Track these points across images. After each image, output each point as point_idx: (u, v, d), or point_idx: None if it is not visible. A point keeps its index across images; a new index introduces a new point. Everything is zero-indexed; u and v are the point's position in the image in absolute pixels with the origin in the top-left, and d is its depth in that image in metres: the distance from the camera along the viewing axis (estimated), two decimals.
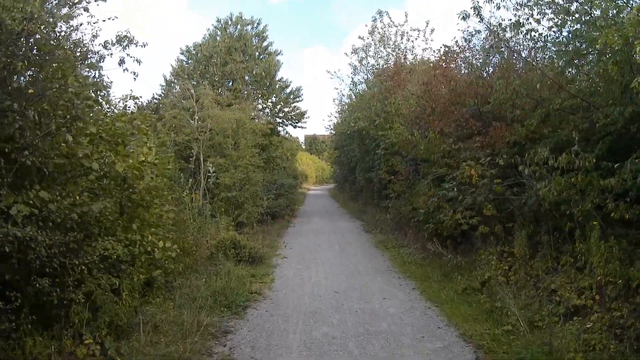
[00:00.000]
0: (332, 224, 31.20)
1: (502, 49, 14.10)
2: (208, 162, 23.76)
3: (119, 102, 12.94)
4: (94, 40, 12.56)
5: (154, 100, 34.87)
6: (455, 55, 19.84)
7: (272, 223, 28.67)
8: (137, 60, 12.46)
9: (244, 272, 15.00)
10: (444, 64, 19.81)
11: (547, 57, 14.31)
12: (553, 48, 13.63)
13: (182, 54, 37.85)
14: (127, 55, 12.20)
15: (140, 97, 12.61)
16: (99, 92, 11.20)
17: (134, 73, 12.78)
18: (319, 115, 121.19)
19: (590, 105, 11.86)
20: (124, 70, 12.55)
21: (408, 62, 29.41)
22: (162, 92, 35.67)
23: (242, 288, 13.52)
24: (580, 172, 10.55)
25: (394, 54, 31.03)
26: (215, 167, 24.03)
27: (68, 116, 8.64)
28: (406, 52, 30.42)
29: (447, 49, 19.92)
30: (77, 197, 8.69)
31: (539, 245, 12.68)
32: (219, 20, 38.49)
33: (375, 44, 32.26)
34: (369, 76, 32.76)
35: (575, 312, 10.09)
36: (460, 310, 11.74)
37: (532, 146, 13.21)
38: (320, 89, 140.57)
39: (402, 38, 31.13)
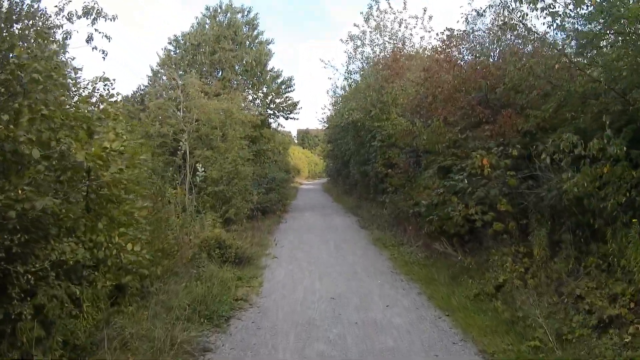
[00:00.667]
0: (325, 220, 29.69)
1: (516, 24, 12.61)
2: (198, 164, 22.24)
3: (88, 84, 11.45)
4: (59, 14, 11.24)
5: (140, 92, 33.31)
6: (459, 40, 18.52)
7: (263, 219, 27.19)
8: (106, 36, 11.19)
9: (229, 275, 13.48)
10: (447, 49, 18.42)
11: (565, 36, 12.88)
12: (572, 25, 12.20)
13: (170, 43, 36.32)
14: (96, 30, 10.95)
15: (114, 80, 11.04)
16: (62, 72, 9.90)
17: (103, 52, 11.48)
18: (311, 110, 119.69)
19: (612, 90, 10.57)
20: (92, 48, 11.32)
21: (406, 50, 27.91)
22: (148, 83, 34.08)
23: (226, 294, 12.02)
24: (609, 162, 9.39)
25: (392, 42, 29.58)
26: (203, 163, 22.54)
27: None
28: (404, 39, 28.88)
29: (450, 32, 18.54)
30: (19, 192, 7.15)
31: (558, 245, 11.36)
32: (207, 9, 36.93)
33: (371, 32, 30.83)
34: (365, 65, 31.31)
35: (609, 323, 8.70)
36: (475, 321, 10.23)
37: (545, 135, 12.42)
38: (313, 84, 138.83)
39: (399, 26, 29.73)
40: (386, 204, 23.57)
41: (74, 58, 12.85)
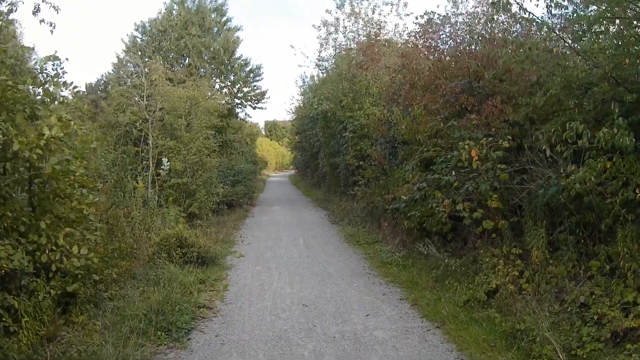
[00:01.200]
0: (294, 214, 28.45)
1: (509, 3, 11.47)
2: (164, 156, 20.86)
3: (35, 63, 10.18)
4: None
5: (104, 79, 31.84)
6: (440, 25, 17.50)
7: (229, 213, 26.19)
8: (54, 7, 9.93)
9: (191, 278, 12.15)
10: (426, 33, 17.37)
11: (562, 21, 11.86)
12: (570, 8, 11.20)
13: (136, 29, 34.80)
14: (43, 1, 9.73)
15: (66, 59, 9.76)
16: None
17: (52, 24, 10.21)
18: (279, 102, 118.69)
19: (612, 78, 9.56)
20: (40, 22, 10.13)
21: (382, 36, 26.72)
22: (112, 70, 32.54)
23: (188, 300, 10.68)
24: (616, 155, 8.40)
25: (366, 29, 28.40)
26: (166, 154, 21.17)
27: None
28: (381, 24, 27.66)
29: (430, 15, 17.44)
30: None
31: (555, 247, 10.34)
32: None
33: (344, 19, 29.67)
34: (337, 52, 30.14)
35: (624, 337, 7.65)
36: (470, 334, 8.97)
37: (533, 127, 11.75)
38: (281, 75, 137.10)
39: (373, 12, 28.60)
40: (358, 198, 22.42)
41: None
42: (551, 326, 8.27)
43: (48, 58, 9.92)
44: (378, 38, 24.55)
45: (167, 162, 20.79)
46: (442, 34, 17.51)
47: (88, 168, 10.15)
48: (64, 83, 9.58)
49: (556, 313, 8.90)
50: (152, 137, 20.70)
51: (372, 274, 13.89)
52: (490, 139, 11.73)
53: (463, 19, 17.54)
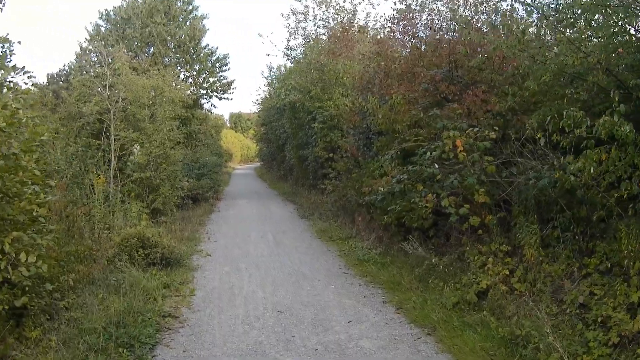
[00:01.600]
0: (262, 208, 27.58)
1: None
2: (135, 144, 19.80)
3: None
4: None
5: (66, 70, 30.54)
6: (417, 12, 17.07)
7: (194, 208, 25.25)
8: None
9: (154, 282, 11.15)
10: (403, 20, 16.90)
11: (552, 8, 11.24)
12: None
13: (100, 18, 33.51)
14: None
15: (18, 42, 8.77)
16: None
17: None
18: (244, 93, 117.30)
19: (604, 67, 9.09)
20: None
21: (355, 23, 25.89)
22: (75, 60, 31.23)
23: (152, 309, 9.71)
24: (613, 146, 7.82)
25: (337, 17, 27.56)
26: (128, 145, 20.13)
27: None
28: (355, 11, 26.75)
29: (409, 1, 16.95)
30: None
31: (546, 243, 9.68)
32: None
33: (314, 8, 28.83)
34: (308, 41, 29.24)
35: (632, 340, 7.02)
36: (465, 341, 8.18)
37: (515, 117, 11.56)
38: (247, 67, 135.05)
39: (345, 1, 27.89)
40: (328, 191, 21.80)
41: None
42: (552, 330, 7.53)
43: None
44: (352, 23, 23.65)
45: (138, 148, 19.76)
46: (419, 22, 16.87)
47: (39, 163, 9.19)
48: (13, 67, 8.60)
49: (554, 315, 8.24)
50: (115, 128, 19.61)
51: (350, 274, 13.09)
52: (476, 129, 11.05)
53: (444, 5, 16.82)
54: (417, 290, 10.98)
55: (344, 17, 26.28)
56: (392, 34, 17.26)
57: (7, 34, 8.88)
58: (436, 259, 11.74)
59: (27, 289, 7.75)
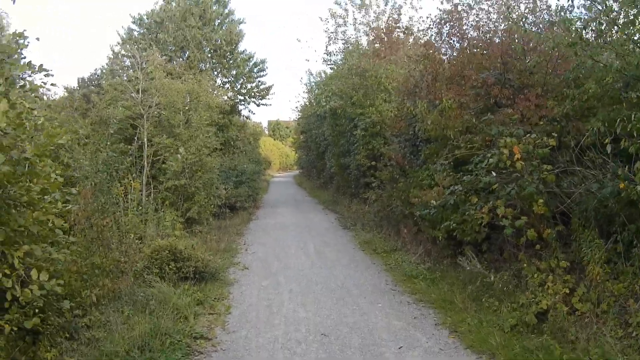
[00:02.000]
0: (301, 217, 26.55)
1: None
2: (180, 149, 18.98)
3: None
4: None
5: (97, 74, 29.89)
6: (466, 12, 16.16)
7: (231, 216, 24.36)
8: None
9: (186, 299, 10.25)
10: (452, 20, 15.98)
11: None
12: None
13: (133, 22, 32.76)
14: None
15: (37, 39, 7.96)
16: None
17: None
18: (283, 101, 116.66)
19: None
20: None
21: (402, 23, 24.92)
22: (107, 64, 30.50)
23: (182, 330, 8.81)
24: None
25: (377, 21, 26.63)
26: (162, 151, 19.33)
27: None
28: (400, 10, 25.70)
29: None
30: None
31: (607, 259, 8.84)
32: None
33: (354, 11, 27.94)
34: (347, 46, 28.34)
35: None
36: None
37: (570, 124, 10.79)
38: (285, 75, 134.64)
39: (386, 4, 26.91)
40: (371, 201, 20.88)
41: None
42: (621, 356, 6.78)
43: (15, 35, 8.13)
44: (397, 24, 22.65)
45: (183, 152, 18.92)
46: (466, 23, 16.09)
47: (58, 168, 8.34)
48: (28, 64, 7.74)
49: (619, 338, 7.51)
50: (148, 134, 18.83)
51: (397, 291, 12.08)
52: (534, 135, 10.18)
53: (493, 5, 15.93)
54: (471, 311, 10.02)
55: (388, 18, 25.25)
56: (439, 36, 16.32)
57: (25, 30, 8.06)
58: (492, 275, 10.80)
59: (38, 309, 6.87)
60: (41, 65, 8.03)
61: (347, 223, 22.79)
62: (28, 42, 8.18)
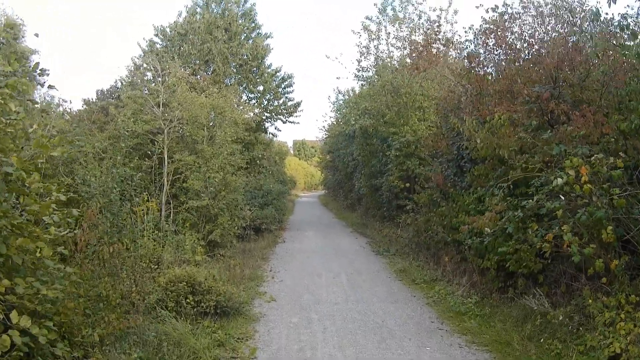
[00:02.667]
0: (330, 241, 25.06)
1: None
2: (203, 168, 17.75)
3: None
4: None
5: (116, 86, 28.66)
6: (512, 21, 15.13)
7: (256, 239, 22.97)
8: None
9: (204, 340, 8.81)
10: (498, 30, 14.73)
11: None
12: None
13: (156, 35, 31.50)
14: None
15: (36, 35, 6.74)
16: None
17: None
18: (308, 121, 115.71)
19: None
20: None
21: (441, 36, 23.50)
22: (127, 76, 29.08)
23: None
24: None
25: (413, 34, 25.27)
26: (183, 169, 18.00)
27: None
28: (439, 22, 24.20)
29: (504, 9, 15.37)
30: None
31: None
32: None
33: (386, 25, 26.67)
34: (381, 60, 27.00)
35: None
36: None
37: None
38: (310, 94, 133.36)
39: (420, 18, 25.58)
40: (405, 225, 19.77)
41: None
42: None
43: (7, 25, 6.86)
44: (437, 36, 21.22)
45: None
46: (511, 33, 14.96)
47: (61, 187, 7.02)
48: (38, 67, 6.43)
49: None
50: (168, 150, 17.53)
51: (445, 330, 10.62)
52: (601, 155, 9.02)
53: (551, 10, 14.79)
54: (531, 354, 8.76)
55: (427, 30, 23.83)
56: (485, 46, 15.12)
57: (37, 34, 6.79)
58: (555, 312, 9.52)
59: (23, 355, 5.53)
60: (37, 63, 6.76)
61: (380, 248, 21.41)
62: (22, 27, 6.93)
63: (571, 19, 14.91)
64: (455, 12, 27.12)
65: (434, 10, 25.32)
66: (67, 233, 7.14)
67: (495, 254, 10.88)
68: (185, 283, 10.53)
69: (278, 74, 32.07)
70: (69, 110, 19.62)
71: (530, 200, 9.82)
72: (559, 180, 8.89)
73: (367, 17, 27.32)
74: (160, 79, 19.80)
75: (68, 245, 8.02)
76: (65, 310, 6.85)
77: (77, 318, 7.32)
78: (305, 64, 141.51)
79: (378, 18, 27.08)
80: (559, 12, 15.13)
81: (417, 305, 12.62)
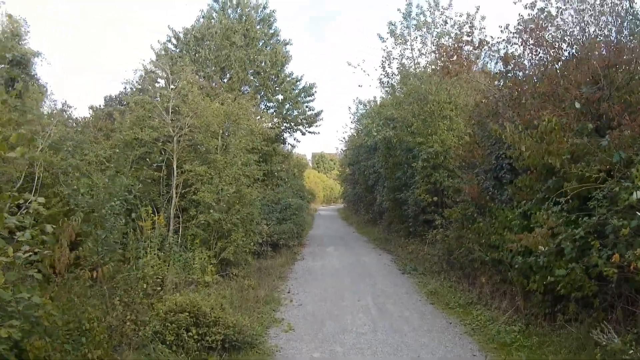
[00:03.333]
0: (352, 258, 23.36)
1: None
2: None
3: None
4: None
5: (126, 92, 27.17)
6: (553, 18, 13.92)
7: (273, 256, 21.59)
8: None
9: None
10: (537, 29, 13.52)
11: None
12: None
13: (168, 41, 30.19)
14: None
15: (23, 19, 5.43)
16: None
17: None
18: (327, 133, 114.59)
19: None
20: None
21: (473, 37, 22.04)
22: (137, 81, 27.33)
23: None
24: None
25: (439, 39, 23.84)
26: (193, 180, 16.62)
27: None
28: (471, 26, 22.70)
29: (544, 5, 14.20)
30: None
31: None
32: (216, 0, 30.81)
33: (411, 32, 25.26)
34: (407, 67, 25.56)
35: None
36: None
37: None
38: (328, 107, 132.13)
39: (445, 24, 24.22)
40: (435, 241, 18.33)
41: None
42: None
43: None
44: (469, 38, 19.75)
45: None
46: (550, 31, 13.77)
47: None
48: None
49: None
50: (177, 159, 16.18)
51: None
52: None
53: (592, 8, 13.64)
54: None
55: (456, 34, 22.40)
56: (524, 46, 13.84)
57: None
58: (616, 342, 8.04)
59: None
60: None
61: (406, 267, 19.84)
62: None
63: (613, 18, 13.55)
64: (483, 18, 25.69)
65: (461, 15, 23.75)
66: (29, 255, 5.72)
67: (551, 275, 9.39)
68: (187, 313, 9.07)
69: (298, 83, 30.73)
70: (74, 117, 18.49)
71: (592, 217, 8.43)
72: (630, 197, 7.55)
73: (390, 23, 25.90)
74: (170, 83, 18.47)
75: (45, 267, 6.64)
76: (33, 349, 5.49)
77: (54, 356, 5.94)
78: (322, 75, 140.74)
79: (402, 23, 25.75)
80: (601, 9, 13.75)
81: (454, 335, 11.12)
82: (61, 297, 7.30)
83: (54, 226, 6.61)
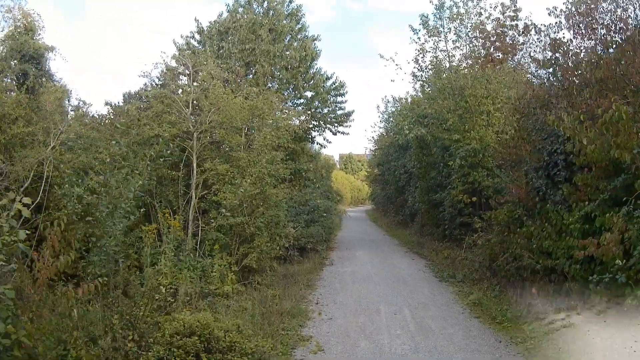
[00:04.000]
0: (385, 263, 22.03)
1: None
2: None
3: None
4: None
5: (145, 89, 25.93)
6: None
7: (301, 261, 20.48)
8: None
9: None
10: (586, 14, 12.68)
11: None
12: None
13: (192, 37, 28.98)
14: None
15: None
16: None
17: None
18: (355, 132, 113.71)
19: None
20: None
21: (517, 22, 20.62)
22: (157, 76, 26.10)
23: None
24: None
25: (476, 32, 22.41)
26: (214, 179, 15.46)
27: None
28: (515, 7, 21.29)
29: None
30: None
31: None
32: None
33: (445, 24, 23.86)
34: (442, 59, 24.20)
35: None
36: None
37: None
38: (356, 107, 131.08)
39: (480, 15, 22.78)
40: (475, 246, 17.19)
41: None
42: None
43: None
44: (513, 22, 18.35)
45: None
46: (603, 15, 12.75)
47: None
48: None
49: None
50: (197, 157, 15.03)
51: None
52: None
53: None
54: None
55: (503, 12, 20.93)
56: (575, 29, 12.94)
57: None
58: None
59: None
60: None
61: (443, 273, 18.52)
62: None
63: None
64: (519, 10, 24.28)
65: (495, 7, 22.29)
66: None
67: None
68: (197, 337, 7.74)
69: (329, 79, 29.41)
70: (90, 114, 17.51)
71: None
72: None
73: (422, 15, 24.48)
74: (191, 76, 17.32)
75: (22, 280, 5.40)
76: None
77: None
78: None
79: (435, 15, 24.36)
80: None
81: (507, 357, 9.68)
82: (43, 317, 6.04)
83: (28, 232, 5.39)
